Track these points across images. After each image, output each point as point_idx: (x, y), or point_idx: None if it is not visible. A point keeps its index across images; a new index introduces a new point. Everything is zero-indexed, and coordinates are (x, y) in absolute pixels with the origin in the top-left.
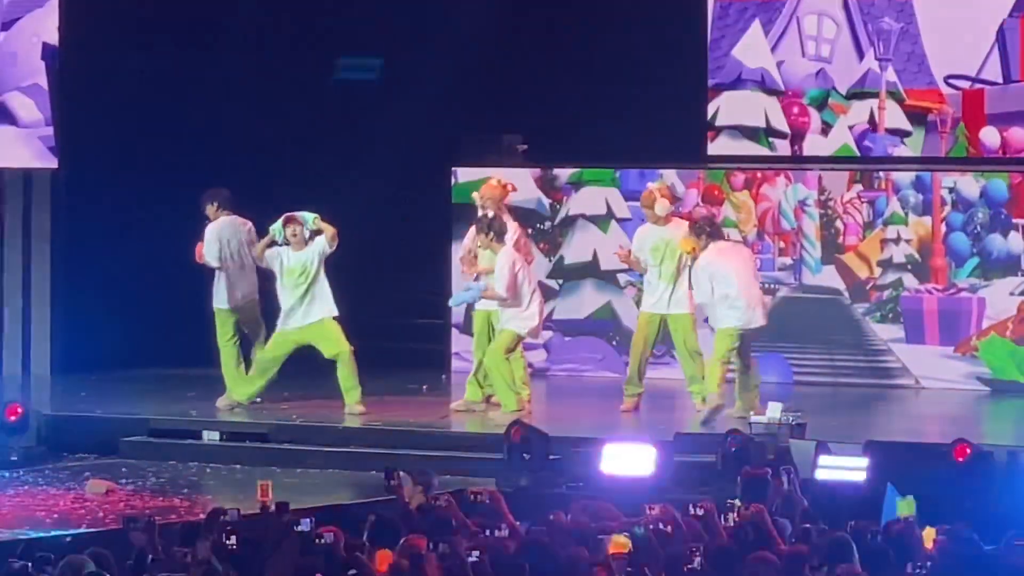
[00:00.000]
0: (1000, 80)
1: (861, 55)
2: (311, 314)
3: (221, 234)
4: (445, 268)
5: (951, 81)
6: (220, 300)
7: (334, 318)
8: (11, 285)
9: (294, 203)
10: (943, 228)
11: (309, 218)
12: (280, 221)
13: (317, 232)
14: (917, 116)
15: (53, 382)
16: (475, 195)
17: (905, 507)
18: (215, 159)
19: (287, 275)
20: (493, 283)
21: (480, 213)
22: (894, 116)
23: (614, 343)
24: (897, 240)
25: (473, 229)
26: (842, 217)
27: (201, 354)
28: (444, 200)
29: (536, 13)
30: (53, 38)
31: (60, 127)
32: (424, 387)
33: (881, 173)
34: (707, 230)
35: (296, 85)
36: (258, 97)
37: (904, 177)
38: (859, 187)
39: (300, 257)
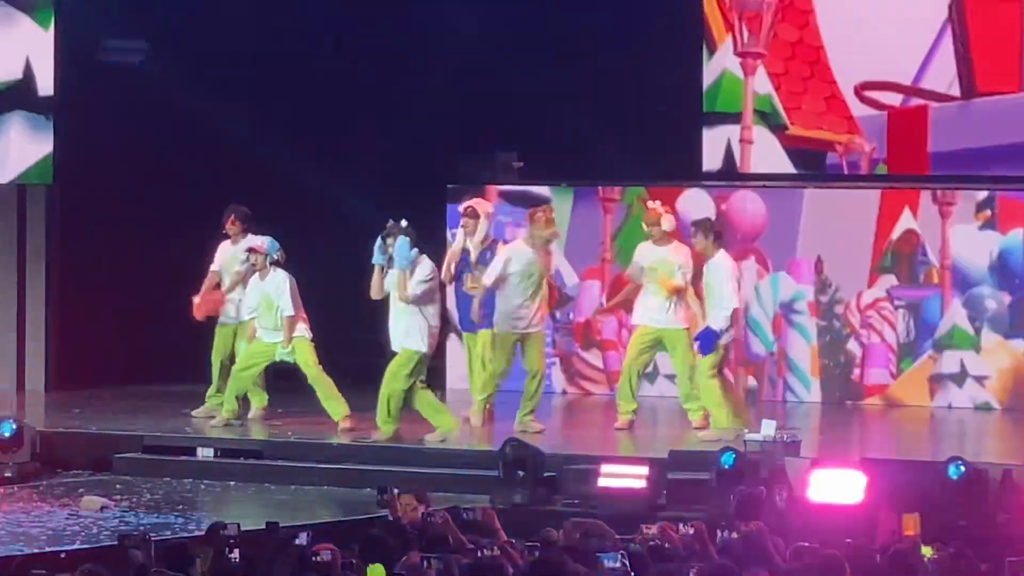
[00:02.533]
0: (956, 93)
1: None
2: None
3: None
4: (440, 284)
5: (868, 93)
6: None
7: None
8: (5, 300)
9: (289, 220)
10: None
11: (274, 248)
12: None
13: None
14: (804, 155)
15: (47, 398)
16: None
17: (911, 525)
18: (210, 175)
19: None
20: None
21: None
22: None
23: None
24: None
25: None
26: None
27: (195, 370)
28: (440, 217)
29: (532, 30)
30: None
31: (55, 142)
32: None
33: None
34: (716, 231)
35: (292, 102)
36: (254, 113)
37: None
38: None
39: (263, 287)
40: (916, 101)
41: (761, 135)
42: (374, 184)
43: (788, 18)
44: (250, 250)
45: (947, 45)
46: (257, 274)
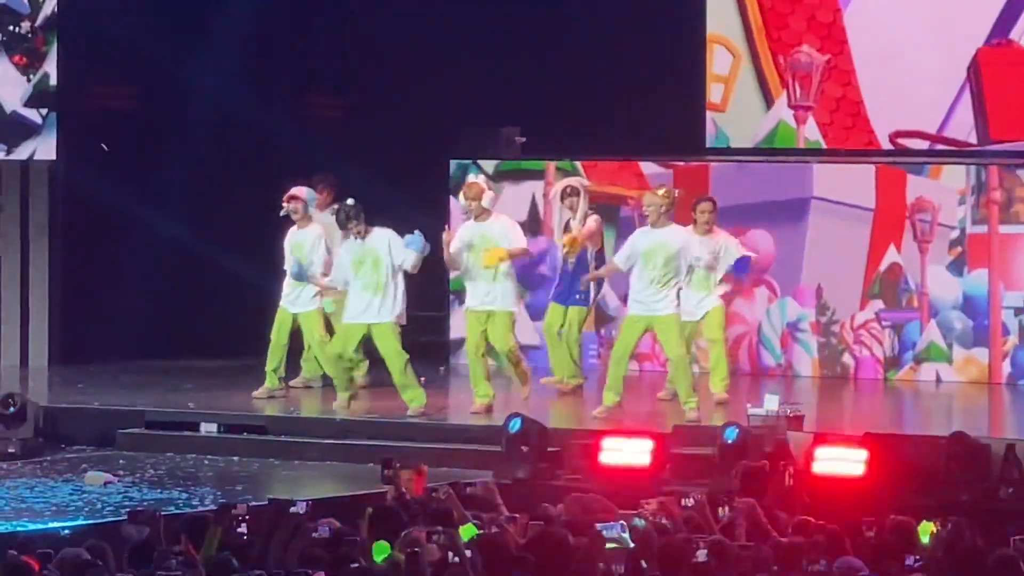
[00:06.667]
0: (972, 140)
1: (769, 101)
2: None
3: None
4: (443, 260)
5: (900, 140)
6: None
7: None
8: (9, 277)
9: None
10: None
11: (312, 198)
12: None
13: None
14: None
15: (51, 374)
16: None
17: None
18: (214, 150)
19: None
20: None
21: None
22: None
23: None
24: None
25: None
26: None
27: (199, 346)
28: (442, 192)
29: (534, 4)
30: None
31: (58, 119)
32: (422, 379)
33: None
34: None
35: (294, 77)
36: (257, 87)
37: None
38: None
39: (299, 236)
40: (939, 147)
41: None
42: (377, 159)
43: (833, 78)
44: (289, 197)
45: (966, 100)
46: (296, 224)
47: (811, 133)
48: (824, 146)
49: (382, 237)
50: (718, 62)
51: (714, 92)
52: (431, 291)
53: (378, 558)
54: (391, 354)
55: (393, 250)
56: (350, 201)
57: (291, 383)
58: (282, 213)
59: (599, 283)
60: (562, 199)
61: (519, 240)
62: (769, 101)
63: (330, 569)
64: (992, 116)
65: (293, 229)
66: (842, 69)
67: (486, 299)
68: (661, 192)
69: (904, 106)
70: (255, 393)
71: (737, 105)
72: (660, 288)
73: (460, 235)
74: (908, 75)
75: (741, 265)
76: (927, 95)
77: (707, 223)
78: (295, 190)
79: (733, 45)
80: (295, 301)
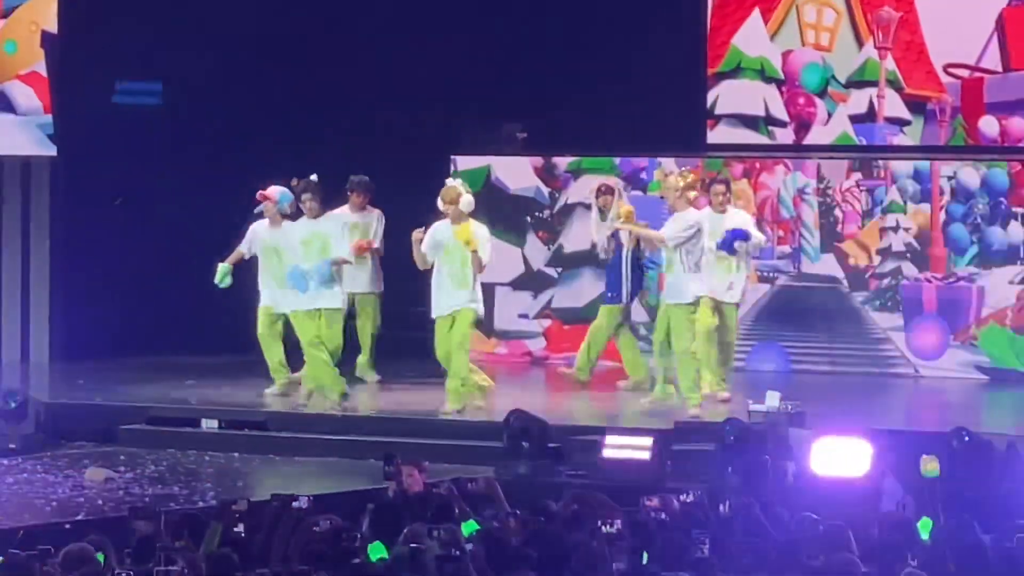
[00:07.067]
0: (999, 69)
1: (860, 44)
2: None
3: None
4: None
5: (950, 70)
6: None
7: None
8: (10, 272)
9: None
10: (943, 217)
11: (285, 200)
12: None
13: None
14: (916, 105)
15: (52, 370)
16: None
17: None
18: (214, 146)
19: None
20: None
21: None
22: (893, 105)
23: None
24: (896, 228)
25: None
26: (841, 205)
27: (200, 342)
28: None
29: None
30: (52, 26)
31: (59, 115)
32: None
33: (880, 162)
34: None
35: (296, 70)
36: (257, 85)
37: (903, 166)
38: (858, 175)
39: (274, 234)
40: (976, 75)
41: (889, 94)
42: (378, 154)
43: (905, 27)
44: (261, 196)
45: (994, 43)
46: (268, 221)
47: (890, 65)
48: (899, 72)
49: (333, 224)
50: (825, 17)
51: (823, 38)
52: (430, 287)
53: (373, 558)
54: (333, 337)
55: (340, 240)
56: (314, 177)
57: (291, 378)
58: (256, 210)
59: (638, 283)
60: (596, 196)
61: (486, 251)
62: (860, 44)
63: (331, 565)
64: (1013, 53)
65: (264, 224)
66: (911, 21)
67: (451, 303)
68: (688, 181)
69: (953, 47)
70: (268, 391)
71: (839, 47)
72: (670, 273)
73: (432, 233)
74: (953, 26)
75: (736, 234)
76: (969, 40)
77: (721, 204)
78: (268, 191)
79: (835, 5)
80: (282, 300)
